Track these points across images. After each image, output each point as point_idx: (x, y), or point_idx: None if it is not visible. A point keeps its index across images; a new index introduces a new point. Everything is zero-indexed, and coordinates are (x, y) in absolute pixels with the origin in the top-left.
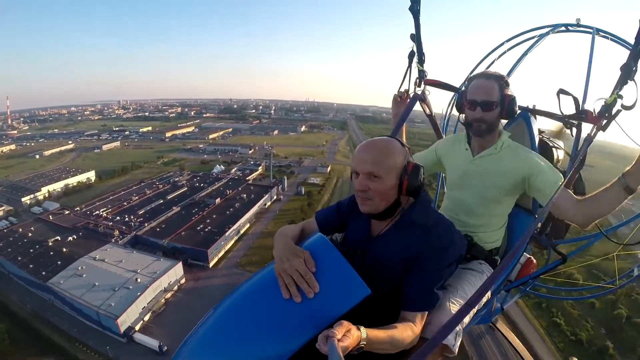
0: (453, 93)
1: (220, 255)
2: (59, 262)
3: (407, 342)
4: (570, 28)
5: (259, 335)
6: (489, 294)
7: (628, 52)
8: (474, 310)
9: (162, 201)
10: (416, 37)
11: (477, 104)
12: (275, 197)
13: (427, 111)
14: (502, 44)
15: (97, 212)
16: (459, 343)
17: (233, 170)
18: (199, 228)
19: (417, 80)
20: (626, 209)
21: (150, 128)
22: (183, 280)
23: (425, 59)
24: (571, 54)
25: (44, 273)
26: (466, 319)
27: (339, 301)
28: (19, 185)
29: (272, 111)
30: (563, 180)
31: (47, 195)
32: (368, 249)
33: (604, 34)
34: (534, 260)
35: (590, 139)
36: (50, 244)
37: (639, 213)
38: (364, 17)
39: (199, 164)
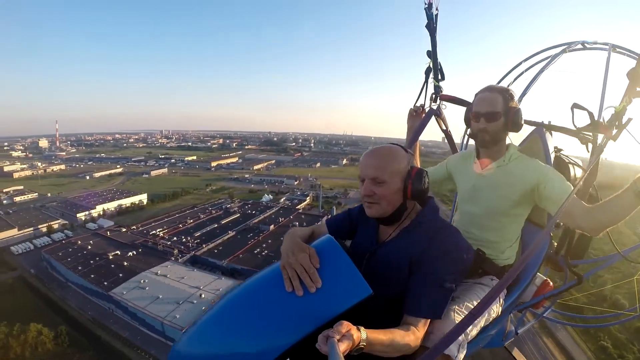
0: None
1: None
2: (121, 275)
3: (408, 347)
4: (586, 45)
5: (258, 326)
6: (499, 310)
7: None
8: (481, 324)
9: (216, 225)
10: (432, 54)
11: (481, 115)
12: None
13: (443, 126)
14: (519, 64)
15: (154, 231)
16: (462, 356)
17: (282, 199)
18: (256, 252)
19: (433, 95)
20: None
21: (195, 157)
22: None
23: (445, 75)
24: (591, 68)
25: (105, 283)
26: (473, 332)
27: (340, 298)
28: (74, 202)
29: (312, 144)
30: (568, 183)
31: (101, 213)
32: (375, 253)
33: (619, 50)
34: (551, 283)
35: (600, 148)
36: (111, 257)
37: None
38: (396, 48)
39: (247, 193)
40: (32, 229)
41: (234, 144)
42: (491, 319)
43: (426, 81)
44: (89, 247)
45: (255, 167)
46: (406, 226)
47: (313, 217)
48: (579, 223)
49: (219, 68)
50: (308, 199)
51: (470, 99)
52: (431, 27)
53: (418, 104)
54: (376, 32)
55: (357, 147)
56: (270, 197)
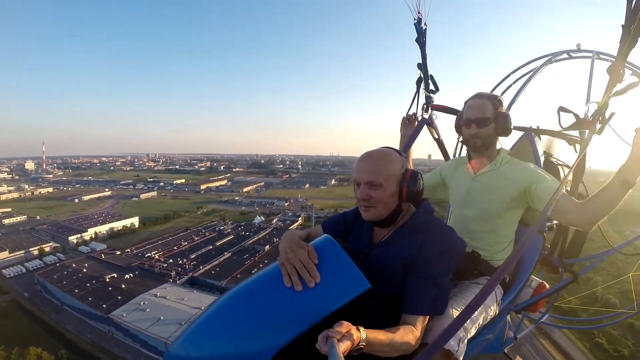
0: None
1: None
2: (119, 297)
3: (408, 346)
4: (571, 54)
5: (257, 322)
6: (496, 310)
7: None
8: (480, 321)
9: (211, 247)
10: (423, 66)
11: (472, 121)
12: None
13: (435, 135)
14: (508, 76)
15: (149, 254)
16: (463, 351)
17: (274, 220)
18: (253, 272)
19: (425, 105)
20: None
21: (183, 180)
22: None
23: (438, 86)
24: (576, 74)
25: (104, 306)
26: (472, 330)
27: (339, 292)
28: (64, 225)
29: (300, 166)
30: (562, 185)
31: (93, 236)
32: (370, 254)
33: (603, 57)
34: (547, 285)
35: (586, 142)
36: (108, 279)
37: None
38: (381, 67)
39: (238, 215)
40: (23, 251)
41: (222, 167)
42: (489, 318)
43: (417, 91)
44: (84, 270)
45: (245, 190)
46: (400, 227)
47: None
48: (572, 219)
49: (205, 90)
50: (300, 220)
51: (460, 108)
52: (421, 40)
53: (410, 113)
54: (362, 55)
55: (344, 167)
56: (262, 218)
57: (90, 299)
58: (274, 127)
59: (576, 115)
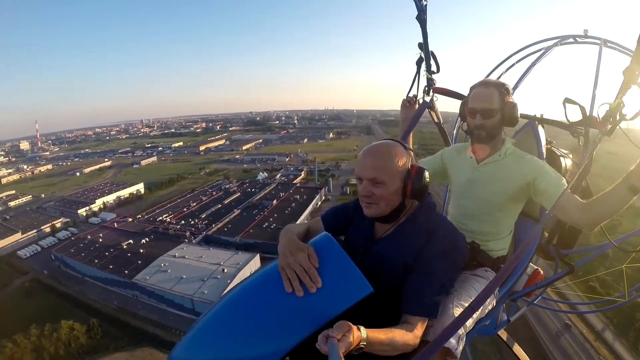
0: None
1: None
2: (139, 262)
3: (408, 345)
4: (578, 40)
5: (258, 329)
6: (493, 301)
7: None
8: (477, 314)
9: (220, 206)
10: (424, 46)
11: (477, 111)
12: (324, 198)
13: (436, 119)
14: (509, 57)
15: (160, 218)
16: (461, 348)
17: (278, 176)
18: (264, 226)
19: (426, 88)
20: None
21: (181, 143)
22: None
23: (440, 66)
24: (581, 63)
25: (126, 272)
26: (469, 323)
27: (341, 297)
28: (71, 199)
29: (296, 121)
30: (562, 178)
31: (102, 206)
32: (369, 250)
33: (611, 45)
34: (542, 272)
35: (595, 144)
36: (125, 246)
37: None
38: (375, 20)
39: (241, 173)
40: (35, 231)
41: (218, 127)
42: (487, 311)
43: (418, 72)
44: (100, 240)
45: (244, 148)
46: (402, 224)
47: (311, 189)
48: (574, 218)
49: (194, 53)
50: (302, 174)
51: (462, 91)
52: (422, 18)
53: (411, 95)
54: (358, 11)
55: (340, 120)
56: (266, 174)
57: (111, 266)
58: (267, 84)
59: (582, 108)
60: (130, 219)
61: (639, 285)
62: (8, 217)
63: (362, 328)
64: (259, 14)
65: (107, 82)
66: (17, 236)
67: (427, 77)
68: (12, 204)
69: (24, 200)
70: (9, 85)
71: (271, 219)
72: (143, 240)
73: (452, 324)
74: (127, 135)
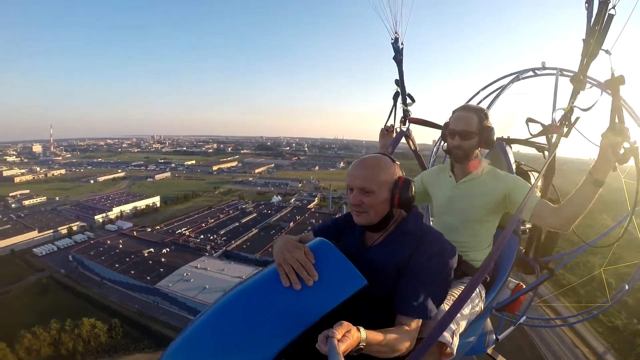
0: (441, 131)
1: None
2: (161, 270)
3: (404, 347)
4: (537, 72)
5: (258, 323)
6: (482, 306)
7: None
8: (469, 317)
9: (237, 224)
10: (400, 82)
11: (456, 133)
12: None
13: (412, 147)
14: (477, 93)
15: (179, 230)
16: (456, 344)
17: (292, 200)
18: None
19: (402, 119)
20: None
21: (194, 162)
22: None
23: (415, 99)
24: (542, 89)
25: (148, 278)
26: (462, 324)
27: (338, 290)
28: (87, 204)
29: (306, 148)
30: (536, 189)
31: (118, 214)
32: (361, 257)
33: (566, 73)
34: (524, 285)
35: (554, 146)
36: (146, 254)
37: (617, 222)
38: (382, 56)
39: (255, 195)
40: (52, 231)
41: (229, 149)
42: (475, 316)
43: (395, 104)
44: (121, 246)
45: (257, 171)
46: (391, 232)
47: (325, 215)
48: (550, 223)
49: (209, 72)
50: (316, 200)
51: (438, 120)
52: (398, 58)
53: (388, 124)
54: (363, 44)
55: (350, 150)
56: (279, 198)
57: (132, 272)
58: (278, 109)
59: (543, 125)
60: (149, 229)
61: (620, 290)
62: (22, 214)
63: (361, 329)
64: (272, 36)
65: (121, 94)
66: (34, 234)
67: (403, 109)
68: (26, 202)
69: (38, 201)
70: (23, 88)
71: None
72: (164, 250)
73: (444, 317)
74: (139, 149)
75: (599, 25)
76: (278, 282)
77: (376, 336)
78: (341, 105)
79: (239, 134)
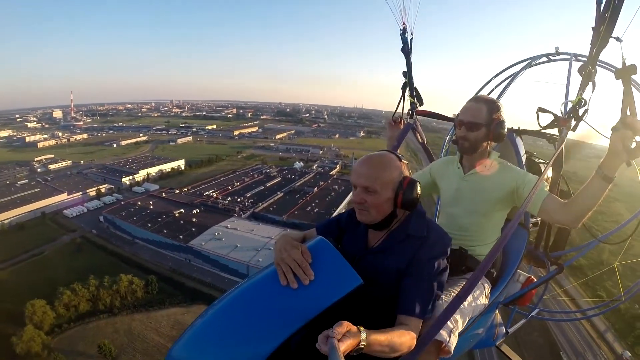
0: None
1: None
2: (193, 229)
3: (405, 347)
4: (550, 58)
5: (256, 321)
6: (485, 301)
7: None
8: (469, 315)
9: (262, 187)
10: (408, 74)
11: (463, 123)
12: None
13: (420, 139)
14: (490, 80)
15: (207, 193)
16: (454, 342)
17: (314, 166)
18: (308, 209)
19: (410, 111)
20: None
21: (214, 126)
22: None
23: (423, 100)
24: (556, 76)
25: (181, 237)
26: (462, 321)
27: (333, 288)
28: (113, 167)
29: (326, 116)
30: (543, 182)
31: (145, 177)
32: (364, 257)
33: (580, 58)
34: (535, 279)
35: (562, 139)
36: (177, 214)
37: (629, 218)
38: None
39: (277, 160)
40: (80, 193)
41: (249, 114)
42: (479, 312)
43: (403, 95)
44: (151, 207)
45: (278, 137)
46: (394, 231)
47: (347, 182)
48: (558, 218)
49: (226, 37)
50: (337, 167)
51: (444, 111)
52: (406, 50)
53: (396, 116)
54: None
55: (370, 120)
56: (302, 164)
57: (165, 231)
58: (298, 76)
59: (554, 115)
60: (177, 191)
61: (635, 284)
62: (49, 178)
63: (361, 328)
64: (292, 4)
65: (140, 58)
66: (63, 196)
67: (410, 102)
68: (52, 167)
69: (64, 165)
70: (43, 54)
71: (313, 204)
72: (194, 211)
73: (441, 315)
74: (159, 114)
75: (608, 12)
76: (277, 281)
77: (377, 336)
78: (361, 74)
79: (258, 99)
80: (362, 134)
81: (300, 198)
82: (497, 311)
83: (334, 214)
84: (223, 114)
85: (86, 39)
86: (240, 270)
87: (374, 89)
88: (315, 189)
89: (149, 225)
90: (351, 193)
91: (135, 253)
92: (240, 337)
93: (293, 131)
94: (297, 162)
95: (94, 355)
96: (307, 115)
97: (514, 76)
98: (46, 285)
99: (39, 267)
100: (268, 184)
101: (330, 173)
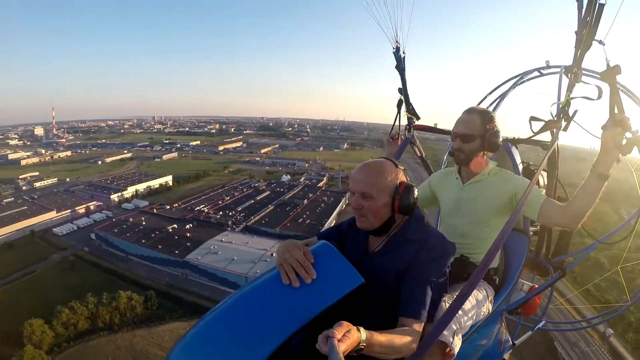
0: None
1: None
2: (188, 244)
3: (406, 348)
4: (542, 72)
5: (258, 319)
6: (489, 307)
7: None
8: (474, 318)
9: (253, 201)
10: (403, 90)
11: (457, 135)
12: (347, 202)
13: (418, 153)
14: (484, 98)
15: (198, 208)
16: (458, 344)
17: (302, 179)
18: (300, 220)
19: (407, 126)
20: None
21: (198, 142)
22: None
23: (419, 116)
24: (549, 88)
25: (176, 252)
26: (467, 324)
27: (335, 287)
28: (100, 184)
29: (309, 129)
30: (542, 188)
31: (134, 193)
32: (364, 262)
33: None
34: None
35: (553, 140)
36: (170, 230)
37: (628, 218)
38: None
39: (264, 174)
40: (69, 211)
41: (232, 129)
42: (482, 315)
43: (399, 112)
44: (144, 223)
45: (263, 151)
46: (394, 236)
47: (336, 193)
48: (557, 221)
49: (206, 52)
50: (325, 179)
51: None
52: (400, 67)
53: (393, 133)
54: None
55: (352, 132)
56: (289, 177)
57: (160, 247)
58: (278, 90)
59: (545, 121)
60: (168, 207)
61: (639, 290)
62: (36, 196)
63: (362, 329)
64: (270, 18)
65: (120, 74)
66: (52, 214)
67: (407, 117)
68: (37, 184)
69: (50, 182)
70: (22, 71)
71: (304, 216)
72: (188, 226)
73: (445, 315)
74: (142, 130)
75: (590, 16)
76: (279, 281)
77: (377, 337)
78: (344, 89)
79: (240, 114)
80: (345, 146)
81: (291, 210)
82: (503, 323)
83: (326, 224)
84: (206, 129)
85: (66, 55)
86: (239, 283)
87: (355, 101)
88: (305, 201)
89: (143, 241)
90: (341, 204)
91: (130, 269)
92: (241, 337)
93: (277, 145)
94: (285, 176)
95: None
96: (290, 129)
97: (507, 91)
98: (41, 304)
99: (32, 287)
100: (258, 198)
101: (318, 185)
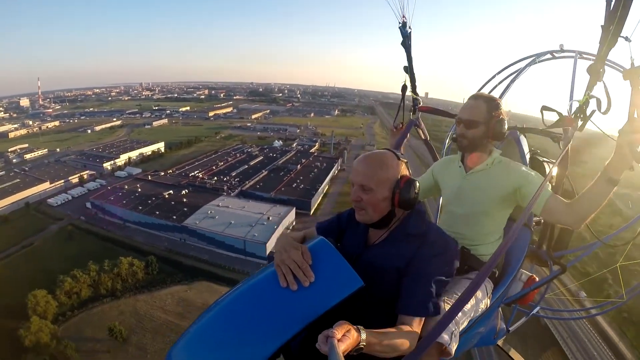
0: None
1: (314, 207)
2: (185, 209)
3: (406, 346)
4: (555, 55)
5: (255, 322)
6: (487, 302)
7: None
8: (471, 315)
9: (246, 166)
10: (409, 69)
11: (461, 121)
12: (340, 167)
13: (423, 136)
14: (493, 77)
15: (192, 174)
16: (455, 344)
17: (294, 144)
18: (294, 185)
19: (412, 107)
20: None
21: (188, 108)
22: (294, 223)
23: (421, 101)
24: (560, 74)
25: (174, 217)
26: (464, 323)
27: (334, 290)
28: (92, 153)
29: (299, 95)
30: (548, 183)
31: (127, 161)
32: (363, 255)
33: (585, 55)
34: (537, 278)
35: (568, 139)
36: (167, 196)
37: (634, 219)
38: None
39: (256, 140)
40: (63, 181)
41: (222, 95)
42: (480, 312)
43: (403, 98)
44: (139, 190)
45: (253, 117)
46: (394, 230)
47: (329, 159)
48: (561, 219)
49: (194, 17)
50: (317, 145)
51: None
52: (406, 44)
53: (397, 122)
54: None
55: (343, 98)
56: (281, 142)
57: (157, 212)
58: (267, 55)
59: (559, 113)
60: (162, 173)
61: (636, 285)
62: (27, 168)
63: (361, 328)
64: None
65: (106, 41)
66: (45, 185)
67: (412, 97)
68: (27, 156)
69: (40, 154)
70: (5, 41)
71: (298, 181)
72: (183, 191)
73: (443, 318)
74: (129, 97)
75: (619, 10)
76: (276, 282)
77: (376, 336)
78: (334, 55)
79: (229, 79)
80: (336, 112)
81: (284, 175)
82: (498, 309)
83: (319, 189)
84: (195, 95)
85: (49, 24)
86: (237, 246)
87: (345, 68)
88: (299, 166)
89: (140, 208)
90: (333, 169)
91: (129, 236)
92: (239, 339)
93: (268, 111)
94: (277, 141)
95: (104, 338)
96: (280, 94)
97: (518, 73)
98: (42, 275)
99: (31, 258)
100: (251, 163)
101: (311, 151)
